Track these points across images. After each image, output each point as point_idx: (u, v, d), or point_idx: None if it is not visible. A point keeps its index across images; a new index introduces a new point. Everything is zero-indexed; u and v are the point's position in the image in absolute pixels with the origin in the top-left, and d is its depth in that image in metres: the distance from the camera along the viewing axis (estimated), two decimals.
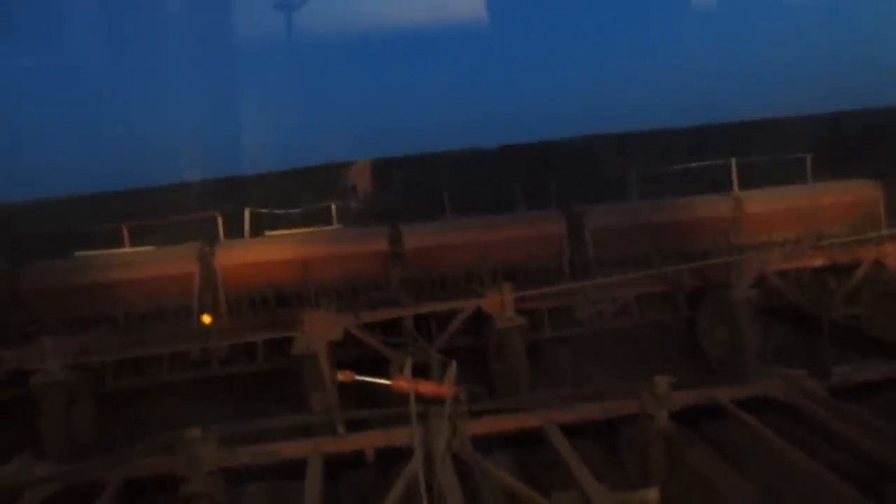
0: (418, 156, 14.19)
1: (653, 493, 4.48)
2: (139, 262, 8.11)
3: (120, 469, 5.00)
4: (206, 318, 7.49)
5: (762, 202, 8.72)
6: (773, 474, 4.90)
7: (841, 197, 8.72)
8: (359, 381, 5.21)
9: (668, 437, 5.12)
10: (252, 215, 9.02)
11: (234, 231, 9.05)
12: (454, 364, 5.09)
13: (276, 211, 9.19)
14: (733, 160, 9.00)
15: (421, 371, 5.49)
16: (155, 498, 5.01)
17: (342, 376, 5.22)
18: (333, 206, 8.97)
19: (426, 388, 4.99)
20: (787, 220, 8.58)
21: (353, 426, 5.74)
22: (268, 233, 8.66)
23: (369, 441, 5.27)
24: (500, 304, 6.88)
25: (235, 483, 5.09)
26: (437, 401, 4.95)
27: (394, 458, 4.96)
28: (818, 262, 7.63)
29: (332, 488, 4.96)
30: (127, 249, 8.41)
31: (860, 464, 4.69)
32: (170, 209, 9.49)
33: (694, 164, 9.26)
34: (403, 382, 4.92)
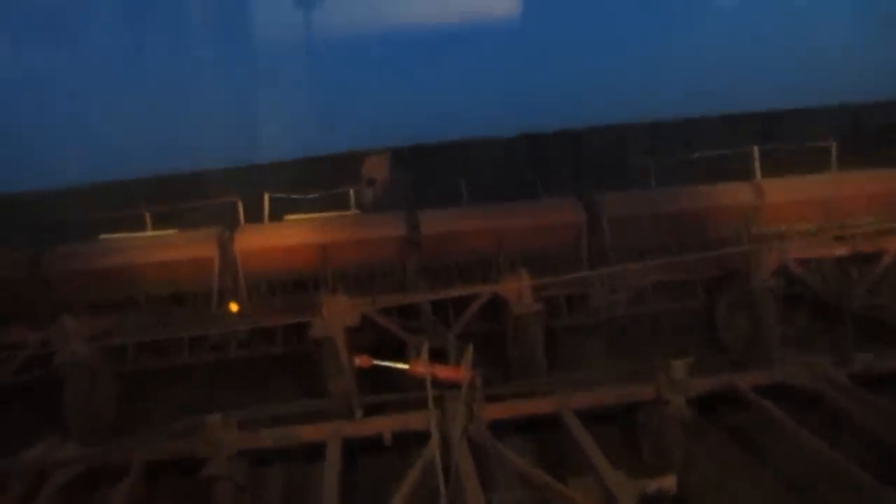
0: (435, 145, 14.13)
1: (670, 480, 4.49)
2: (160, 245, 8.21)
3: (144, 451, 5.08)
4: (234, 306, 7.57)
5: (784, 191, 8.59)
6: (792, 463, 4.87)
7: (865, 187, 8.57)
8: (376, 366, 5.25)
9: (685, 423, 5.11)
10: (271, 200, 9.07)
11: (254, 216, 9.10)
12: (471, 348, 5.10)
13: (295, 196, 9.22)
14: (755, 148, 8.87)
15: (438, 356, 5.51)
16: (177, 480, 5.07)
17: (360, 361, 5.28)
18: (352, 192, 9.00)
19: (443, 372, 5.03)
20: (809, 210, 8.45)
21: (371, 410, 5.78)
22: (287, 217, 8.71)
23: (387, 425, 5.30)
24: (518, 290, 6.88)
25: (256, 466, 5.14)
26: (454, 385, 4.98)
27: (411, 441, 4.99)
28: (841, 252, 7.50)
29: (351, 471, 4.99)
30: (149, 233, 8.51)
31: (882, 454, 4.63)
32: (191, 196, 9.57)
33: (716, 152, 9.14)
34: (420, 367, 4.95)
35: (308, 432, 5.21)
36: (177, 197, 9.39)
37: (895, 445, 4.67)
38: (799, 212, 8.47)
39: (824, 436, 4.78)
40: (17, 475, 4.84)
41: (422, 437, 4.79)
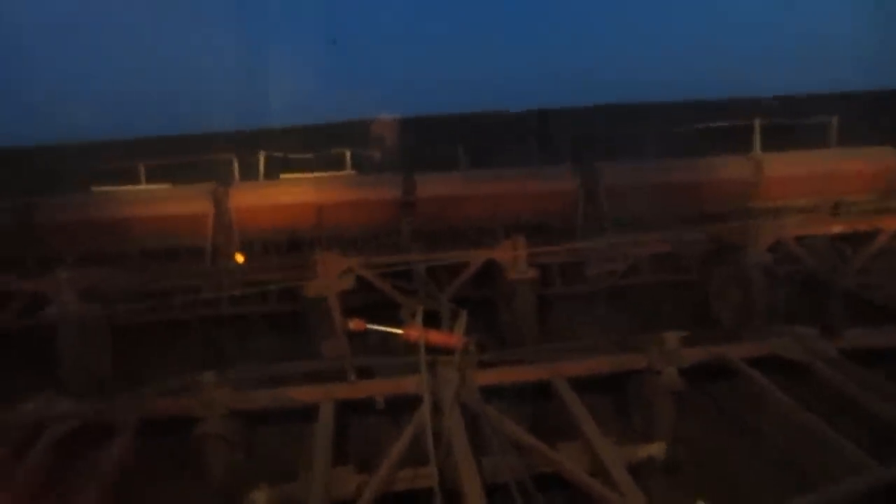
0: (442, 116, 14.06)
1: (658, 447, 4.55)
2: (154, 199, 8.13)
3: (137, 409, 5.08)
4: (240, 257, 7.54)
5: (783, 165, 8.57)
6: (780, 434, 4.93)
7: (865, 164, 8.56)
8: (369, 330, 5.26)
9: (675, 393, 5.16)
10: (267, 160, 8.98)
11: (249, 178, 9.01)
12: (464, 314, 5.12)
13: (291, 155, 9.13)
14: (757, 121, 8.81)
15: (430, 320, 5.52)
16: (171, 437, 5.09)
17: (353, 325, 5.28)
18: (348, 153, 8.91)
19: (436, 337, 5.04)
20: (807, 186, 8.44)
21: (364, 373, 5.80)
22: (283, 175, 8.63)
23: (379, 388, 5.31)
24: (513, 256, 6.88)
25: (249, 426, 5.17)
26: (447, 350, 4.99)
27: (403, 405, 5.01)
28: (837, 230, 7.52)
29: (343, 433, 5.03)
30: (142, 186, 8.42)
31: (871, 426, 4.69)
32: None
33: (716, 125, 9.09)
34: (414, 331, 4.97)
35: (301, 394, 5.22)
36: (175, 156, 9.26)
37: (882, 418, 4.72)
38: (797, 187, 8.47)
39: (812, 407, 4.83)
40: (11, 428, 4.84)
41: (414, 401, 4.81)
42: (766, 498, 3.94)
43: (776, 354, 5.68)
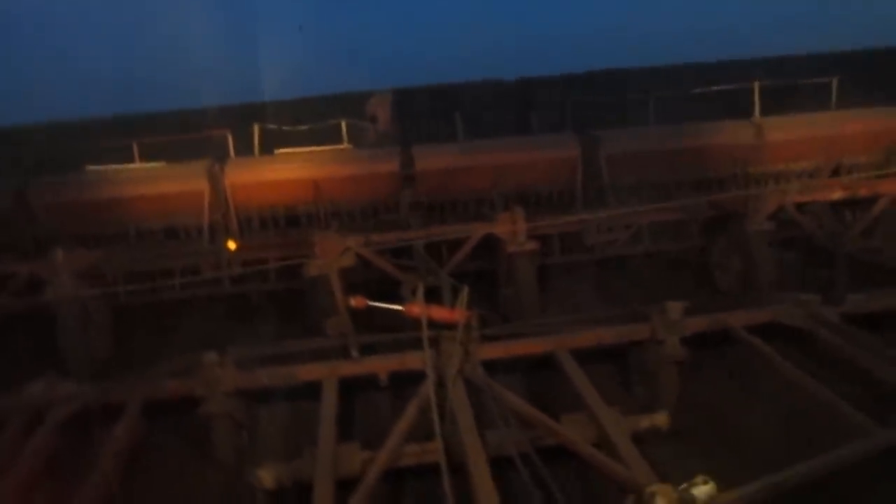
0: (438, 87, 13.96)
1: (662, 417, 4.56)
2: (149, 178, 8.03)
3: (142, 390, 5.08)
4: (232, 245, 7.45)
5: (783, 129, 8.46)
6: (783, 401, 4.94)
7: (866, 125, 8.44)
8: (371, 307, 5.24)
9: (678, 362, 5.16)
10: (261, 133, 8.85)
11: (245, 153, 8.91)
12: (466, 289, 5.08)
13: (286, 128, 9.00)
14: (756, 84, 8.68)
15: (431, 294, 5.50)
16: (175, 418, 5.10)
17: (355, 302, 5.26)
18: (344, 124, 8.77)
19: (438, 313, 5.03)
20: (809, 149, 8.35)
21: (367, 349, 5.79)
22: (278, 150, 8.51)
23: (383, 365, 5.31)
24: (512, 228, 6.83)
25: (252, 404, 5.17)
26: (449, 326, 4.98)
27: (406, 381, 5.02)
28: (838, 195, 7.46)
29: (347, 409, 5.03)
30: (137, 165, 8.31)
31: (873, 391, 4.70)
32: (183, 132, 9.32)
33: (715, 88, 8.95)
34: (416, 308, 4.95)
35: (305, 372, 5.21)
36: (168, 134, 9.15)
37: (885, 382, 4.73)
38: (798, 150, 8.37)
39: (816, 373, 4.83)
40: (15, 412, 4.83)
41: (417, 377, 4.81)
42: (771, 463, 3.95)
43: (779, 321, 5.67)
